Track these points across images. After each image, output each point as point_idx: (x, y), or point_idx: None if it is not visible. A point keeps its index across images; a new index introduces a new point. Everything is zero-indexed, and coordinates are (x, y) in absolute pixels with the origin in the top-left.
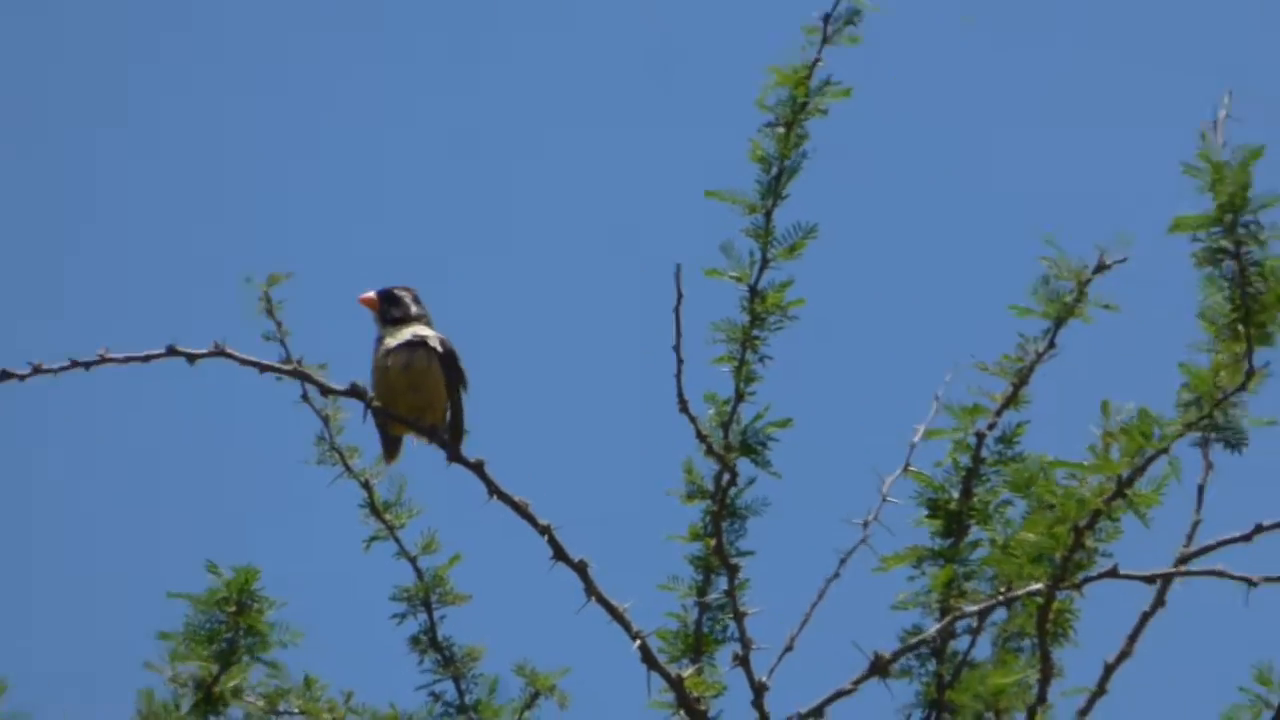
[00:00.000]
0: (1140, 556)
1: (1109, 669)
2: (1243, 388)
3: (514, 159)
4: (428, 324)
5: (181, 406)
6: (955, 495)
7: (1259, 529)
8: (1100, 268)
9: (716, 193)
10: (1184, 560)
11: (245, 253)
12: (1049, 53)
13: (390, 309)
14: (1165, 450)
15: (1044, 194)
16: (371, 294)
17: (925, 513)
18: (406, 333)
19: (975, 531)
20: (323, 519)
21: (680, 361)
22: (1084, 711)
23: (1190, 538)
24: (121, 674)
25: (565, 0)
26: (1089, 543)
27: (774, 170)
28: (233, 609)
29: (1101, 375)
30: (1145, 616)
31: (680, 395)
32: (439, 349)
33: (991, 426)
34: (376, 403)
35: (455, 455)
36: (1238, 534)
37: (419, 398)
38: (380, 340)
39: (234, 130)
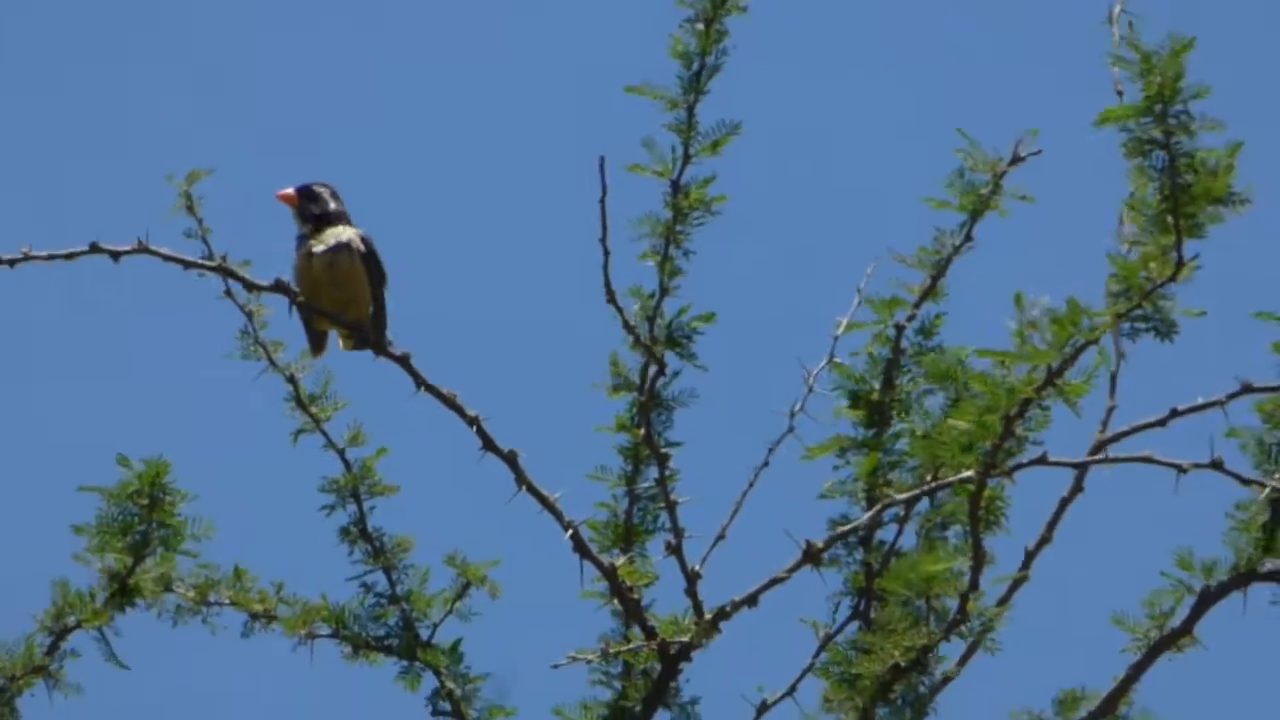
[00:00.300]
0: (1056, 440)
1: (1029, 555)
2: (1172, 278)
3: (441, 38)
4: (347, 222)
5: (105, 304)
6: (877, 386)
7: (1174, 413)
8: (1015, 160)
9: (637, 88)
10: (1101, 446)
11: (167, 149)
12: None
13: (309, 205)
14: (1095, 340)
15: (963, 87)
16: (290, 190)
17: (847, 403)
18: (329, 237)
19: (898, 423)
20: (248, 413)
21: (607, 254)
22: (1005, 598)
23: (1105, 424)
24: (36, 566)
25: None
26: (1019, 431)
27: (695, 66)
28: (145, 502)
29: (1019, 268)
30: (1064, 502)
31: (608, 286)
32: (361, 248)
33: (910, 318)
34: (301, 298)
35: (380, 349)
36: (1155, 419)
37: (342, 294)
38: (302, 241)
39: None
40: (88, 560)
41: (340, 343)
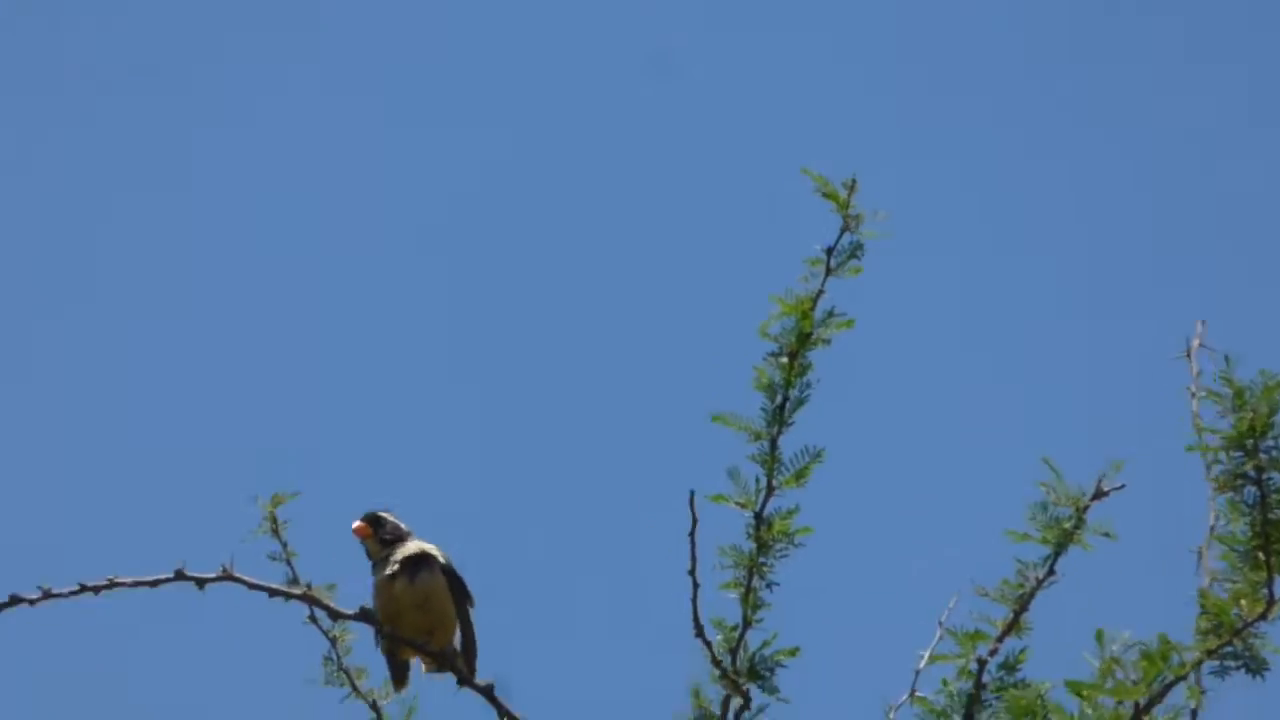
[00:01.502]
0: None
1: None
2: (1263, 616)
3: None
4: (416, 540)
5: (190, 626)
6: None
7: None
8: (1098, 494)
9: (722, 417)
10: None
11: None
12: (1040, 281)
13: (380, 531)
14: (1184, 676)
15: (1044, 417)
16: (360, 522)
17: None
18: (410, 547)
19: None
20: None
21: (696, 586)
22: None
23: None
24: None
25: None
26: None
27: (779, 398)
28: None
29: (1102, 601)
30: None
31: (696, 620)
32: (441, 560)
33: (993, 653)
34: (387, 628)
35: (466, 679)
36: None
37: (427, 617)
38: (379, 561)
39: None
40: None
41: (423, 665)
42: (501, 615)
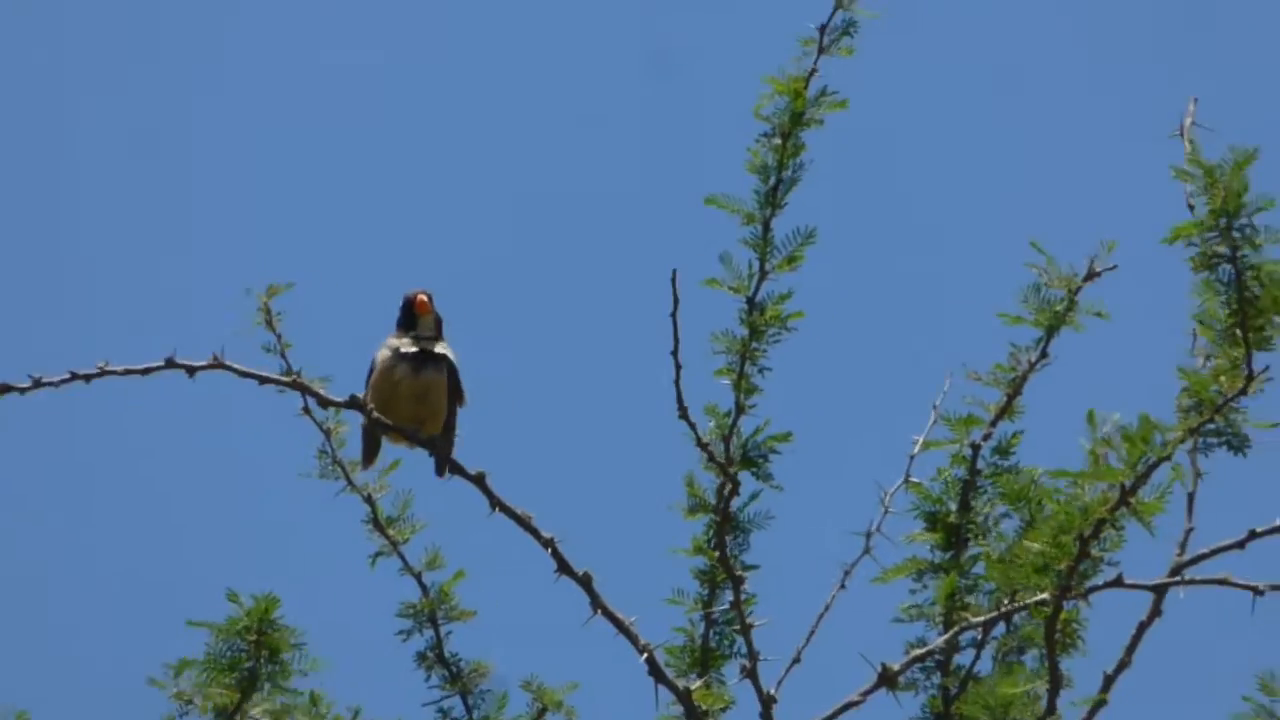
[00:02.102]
0: (1132, 563)
1: (1108, 679)
2: (1243, 392)
3: (512, 159)
4: (441, 332)
5: (180, 419)
6: (953, 508)
7: (1253, 535)
8: (1090, 275)
9: (715, 199)
10: (1179, 569)
11: (243, 263)
12: (1038, 64)
13: (434, 310)
14: (1168, 457)
15: (1036, 200)
16: (425, 295)
17: (924, 526)
18: (421, 344)
19: (974, 546)
20: (325, 533)
21: (678, 367)
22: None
23: (1183, 546)
24: (133, 700)
25: (563, 4)
26: (1094, 551)
27: (772, 180)
28: (254, 638)
29: (1095, 383)
30: (1143, 626)
31: (680, 401)
32: (450, 359)
33: (987, 438)
34: (376, 414)
35: (454, 467)
36: (1232, 541)
37: (423, 408)
38: (395, 339)
39: (234, 135)
40: (188, 695)
41: (390, 439)
42: (490, 410)
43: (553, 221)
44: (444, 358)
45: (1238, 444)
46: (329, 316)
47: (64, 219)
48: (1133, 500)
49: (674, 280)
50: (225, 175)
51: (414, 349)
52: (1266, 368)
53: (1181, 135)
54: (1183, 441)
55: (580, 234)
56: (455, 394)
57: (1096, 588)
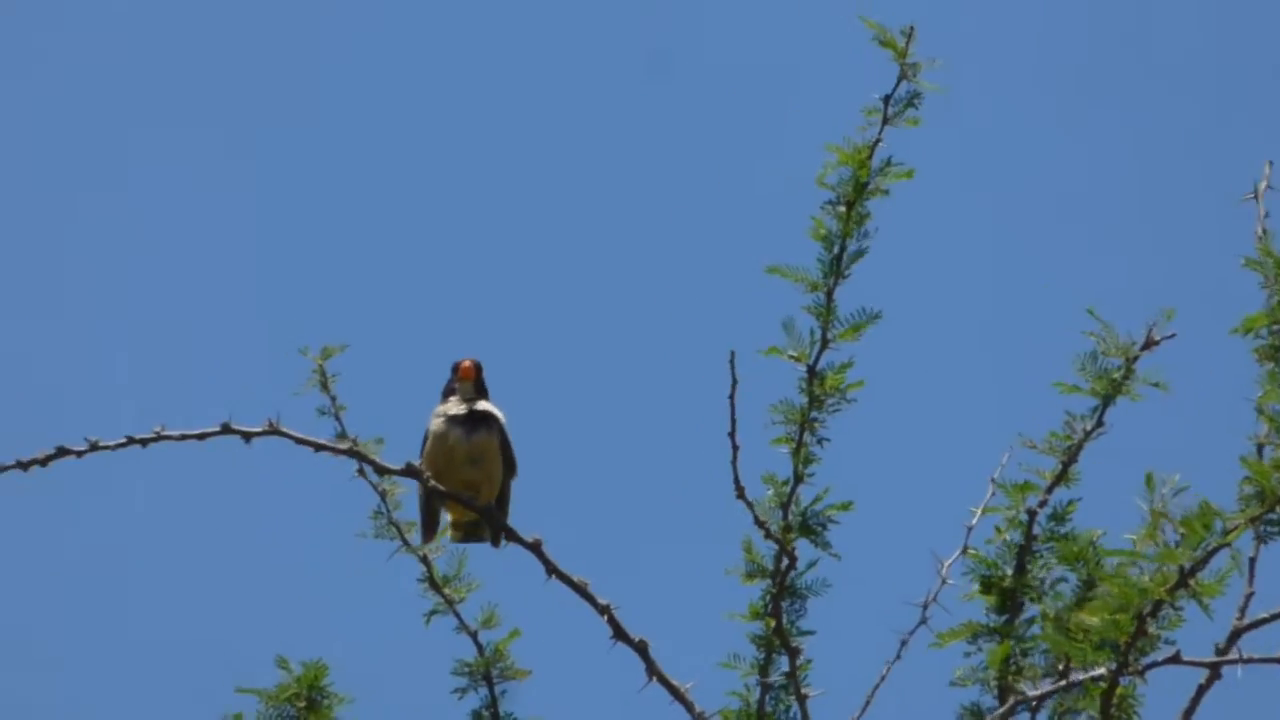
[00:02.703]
0: (1190, 626)
1: None
2: None
3: (561, 230)
4: (488, 401)
5: (236, 481)
6: (1009, 572)
7: None
8: (1148, 344)
9: (778, 268)
10: (1238, 634)
11: (293, 323)
12: (1099, 148)
13: (480, 379)
14: (1228, 544)
15: (1094, 267)
16: (470, 361)
17: (979, 588)
18: (482, 404)
19: (1029, 609)
20: (380, 594)
21: (735, 448)
22: None
23: (1243, 611)
24: None
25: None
26: (1151, 630)
27: (836, 249)
28: (303, 704)
29: (1151, 452)
30: (1201, 690)
31: (737, 482)
32: (501, 421)
33: (1043, 504)
34: (432, 482)
35: (509, 534)
36: None
37: (477, 472)
38: (443, 405)
39: (284, 191)
40: None
41: (451, 534)
42: (541, 484)
43: (607, 285)
44: (494, 420)
45: None
46: (382, 377)
47: (117, 273)
48: (1192, 582)
49: (732, 361)
50: (274, 237)
51: (462, 410)
52: None
53: (1255, 198)
54: (1242, 531)
55: (642, 297)
56: (507, 463)
57: (1154, 664)
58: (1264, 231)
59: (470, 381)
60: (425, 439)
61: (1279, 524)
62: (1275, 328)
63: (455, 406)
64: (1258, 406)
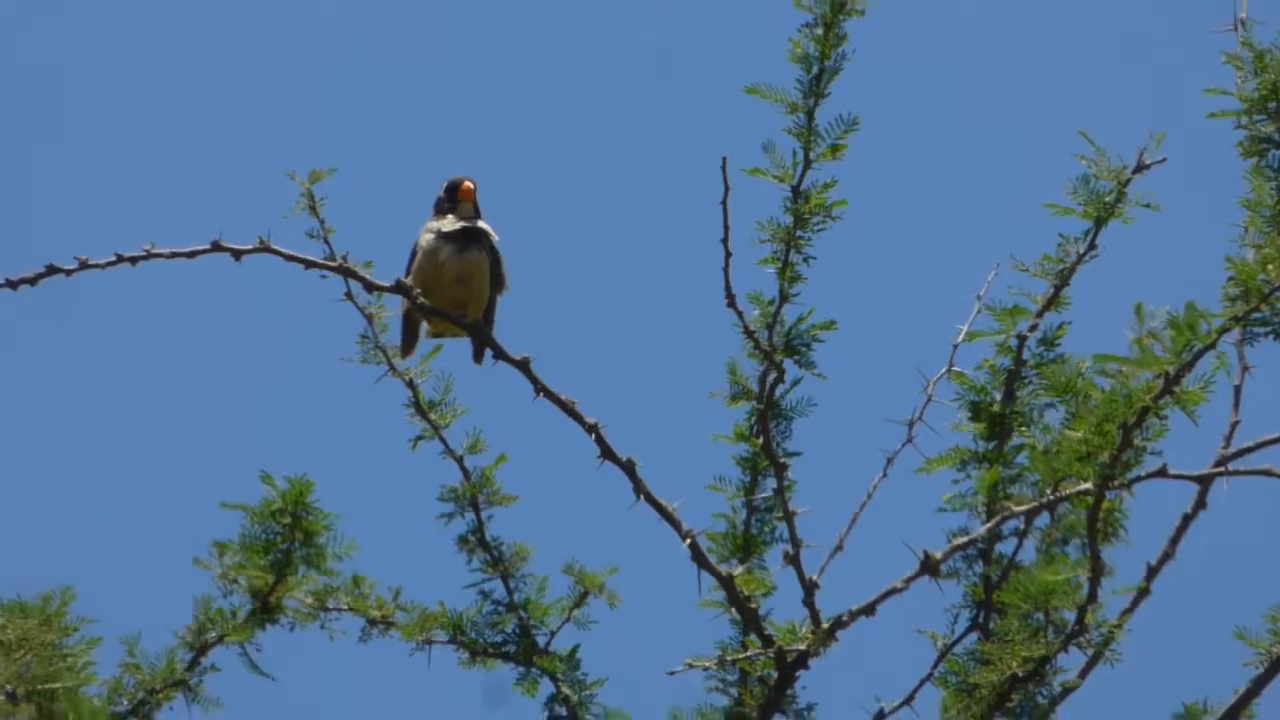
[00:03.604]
0: (1178, 459)
1: (1152, 570)
2: None
3: (563, 39)
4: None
5: (224, 304)
6: (998, 398)
7: None
8: (1140, 167)
9: (757, 89)
10: (1224, 461)
11: (284, 146)
12: None
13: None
14: (1213, 345)
15: (1086, 91)
16: (471, 182)
17: (968, 416)
18: (464, 221)
19: (1018, 436)
20: (366, 418)
21: (728, 255)
22: (1128, 611)
23: (1229, 439)
24: (176, 581)
25: None
26: (1137, 440)
27: (814, 70)
28: (288, 520)
29: (1143, 276)
30: (1187, 518)
31: (728, 289)
32: (494, 239)
33: (1033, 328)
34: (421, 299)
35: (498, 352)
36: (1277, 435)
37: (466, 291)
38: (435, 221)
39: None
40: (209, 565)
41: (427, 328)
42: (528, 303)
43: (610, 102)
44: (486, 239)
45: None
46: (369, 204)
47: (103, 99)
48: (1177, 389)
49: (724, 167)
50: (268, 59)
51: (456, 227)
52: None
53: (1236, 29)
54: (1228, 330)
55: (626, 121)
56: (496, 280)
57: (1140, 477)
58: (1243, 23)
59: (469, 203)
60: (413, 254)
61: (1265, 323)
62: (1257, 118)
63: (449, 223)
64: (1243, 203)
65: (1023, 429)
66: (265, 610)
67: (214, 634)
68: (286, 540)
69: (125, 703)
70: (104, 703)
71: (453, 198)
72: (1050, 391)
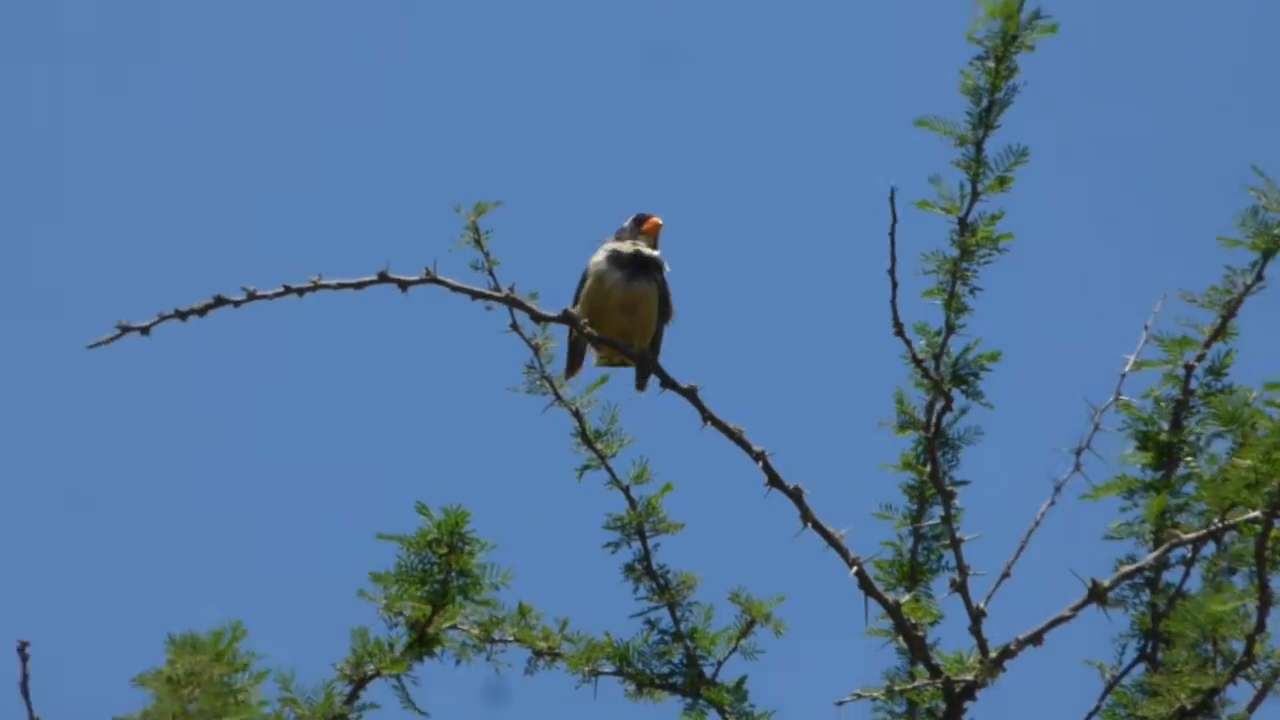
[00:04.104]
0: None
1: None
2: None
3: (713, 74)
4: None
5: (389, 336)
6: (1165, 427)
7: None
8: None
9: (927, 121)
10: None
11: (446, 182)
12: None
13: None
14: None
15: (1261, 123)
16: (659, 218)
17: (1135, 445)
18: (639, 247)
19: (1185, 466)
20: (533, 448)
21: (895, 285)
22: None
23: None
24: (334, 614)
25: None
26: None
27: (984, 102)
28: (444, 550)
29: None
30: None
31: (895, 319)
32: (663, 276)
33: (1200, 358)
34: (590, 329)
35: (665, 381)
36: None
37: (632, 321)
38: (611, 244)
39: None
40: (374, 598)
41: (595, 357)
42: (695, 332)
43: (774, 137)
44: (657, 270)
45: None
46: (534, 236)
47: (269, 133)
48: None
49: (892, 199)
50: (428, 92)
51: (630, 251)
52: None
53: None
54: None
55: (792, 152)
56: (664, 310)
57: None
58: None
59: (653, 237)
60: (584, 277)
61: None
62: None
63: (626, 247)
64: None
65: (1190, 459)
66: (423, 642)
67: (371, 667)
68: (443, 571)
69: None
70: None
71: (636, 230)
72: (1218, 420)
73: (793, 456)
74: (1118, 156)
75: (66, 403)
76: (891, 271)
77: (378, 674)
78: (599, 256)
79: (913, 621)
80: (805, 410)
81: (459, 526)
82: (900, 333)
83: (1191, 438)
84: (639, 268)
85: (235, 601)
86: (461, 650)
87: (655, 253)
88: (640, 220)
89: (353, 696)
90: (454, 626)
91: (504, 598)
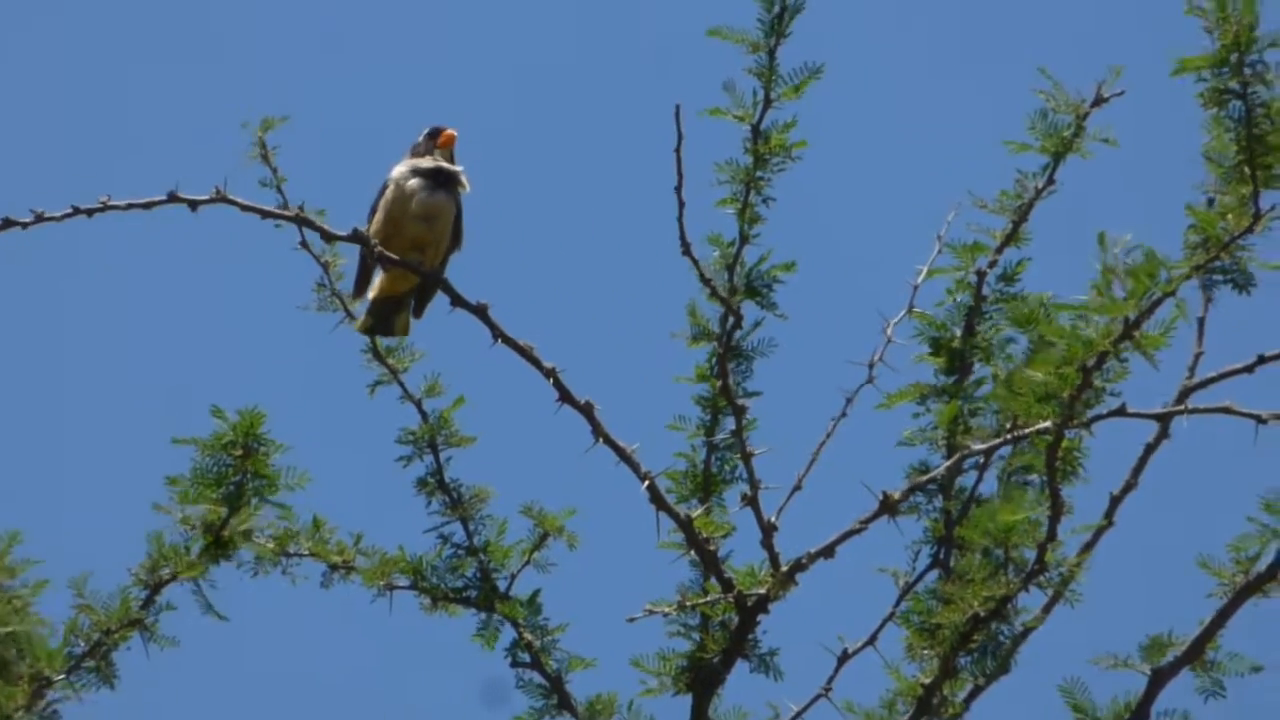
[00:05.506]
0: (1141, 387)
1: (1114, 501)
2: (1249, 230)
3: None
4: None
5: (180, 254)
6: (958, 333)
7: (1261, 360)
8: (1098, 100)
9: (718, 30)
10: (1187, 392)
11: (238, 98)
12: None
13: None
14: (1172, 292)
15: (1045, 28)
16: (454, 130)
17: (928, 350)
18: (440, 162)
19: (979, 369)
20: (324, 365)
21: (681, 204)
22: (1090, 544)
23: (1192, 370)
24: (129, 519)
25: None
26: (1096, 382)
27: (776, 7)
28: (239, 452)
29: (1101, 212)
30: (1149, 449)
31: (683, 238)
32: (465, 190)
33: (992, 264)
34: (379, 249)
35: (456, 299)
36: (1241, 365)
37: (427, 231)
38: (411, 160)
39: None
40: (168, 510)
41: (360, 322)
42: (492, 242)
43: (567, 49)
44: (456, 185)
45: (1243, 282)
46: (322, 152)
47: (60, 48)
48: (1136, 334)
49: (678, 115)
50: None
51: (431, 165)
52: (1274, 206)
53: None
54: (1188, 278)
55: (586, 61)
56: (455, 235)
57: (1099, 417)
58: None
59: (449, 149)
60: (384, 187)
61: (1224, 273)
62: (1219, 71)
63: (427, 162)
64: (1203, 153)
65: (984, 361)
66: (218, 545)
67: (167, 571)
68: (238, 473)
69: (81, 644)
70: (60, 645)
71: (432, 143)
72: (1012, 322)
73: (586, 373)
74: (920, 63)
75: None
76: (679, 190)
77: (174, 578)
78: (401, 168)
79: (704, 535)
80: (599, 326)
81: (254, 428)
82: (687, 252)
83: (985, 343)
84: (441, 181)
85: (19, 512)
86: (257, 563)
87: (457, 168)
88: (435, 134)
89: (149, 601)
90: (249, 540)
91: (299, 511)
